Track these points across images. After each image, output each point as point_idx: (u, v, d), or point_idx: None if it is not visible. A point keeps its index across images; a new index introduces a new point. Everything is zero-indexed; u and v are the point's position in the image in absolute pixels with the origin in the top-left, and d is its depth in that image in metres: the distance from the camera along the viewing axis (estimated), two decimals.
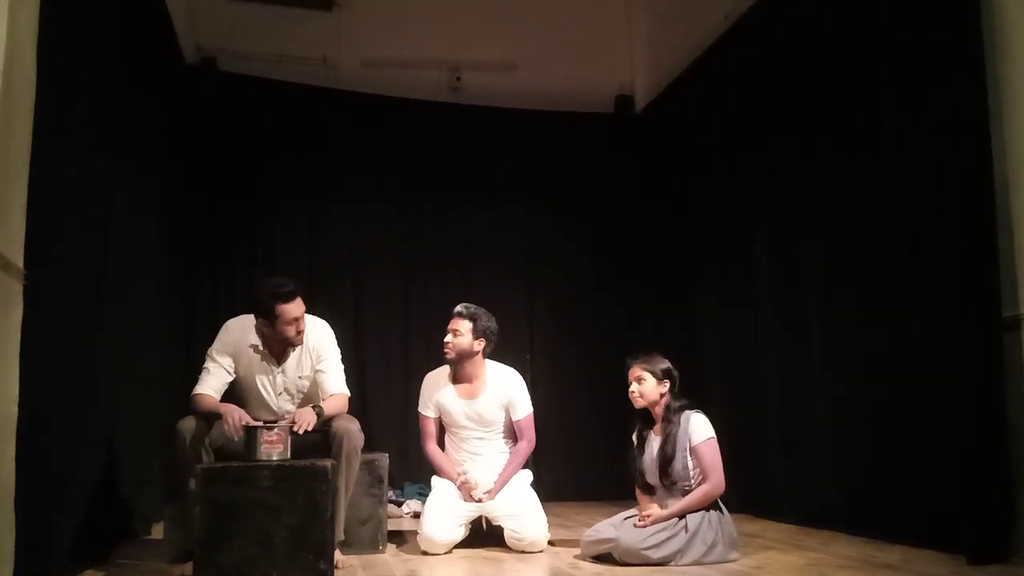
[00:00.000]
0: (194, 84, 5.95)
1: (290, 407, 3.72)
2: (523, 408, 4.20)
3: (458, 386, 4.19)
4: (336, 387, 3.73)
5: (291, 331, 3.59)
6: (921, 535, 3.80)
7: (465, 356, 4.13)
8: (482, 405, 4.15)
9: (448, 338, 4.14)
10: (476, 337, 4.11)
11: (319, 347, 3.77)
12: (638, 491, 3.82)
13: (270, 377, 3.72)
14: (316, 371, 3.76)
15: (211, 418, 3.48)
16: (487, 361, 4.23)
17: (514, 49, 6.89)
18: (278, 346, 3.69)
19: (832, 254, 4.55)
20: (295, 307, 3.57)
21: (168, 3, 5.22)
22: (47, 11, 3.04)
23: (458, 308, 4.19)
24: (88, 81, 3.58)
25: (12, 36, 2.81)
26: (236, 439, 3.36)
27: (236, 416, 3.37)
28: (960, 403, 3.61)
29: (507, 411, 4.19)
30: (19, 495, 2.79)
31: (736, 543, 3.63)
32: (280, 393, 3.74)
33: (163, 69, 5.21)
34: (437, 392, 4.21)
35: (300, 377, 3.75)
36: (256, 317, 3.62)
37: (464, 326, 4.11)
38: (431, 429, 4.24)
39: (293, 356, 3.73)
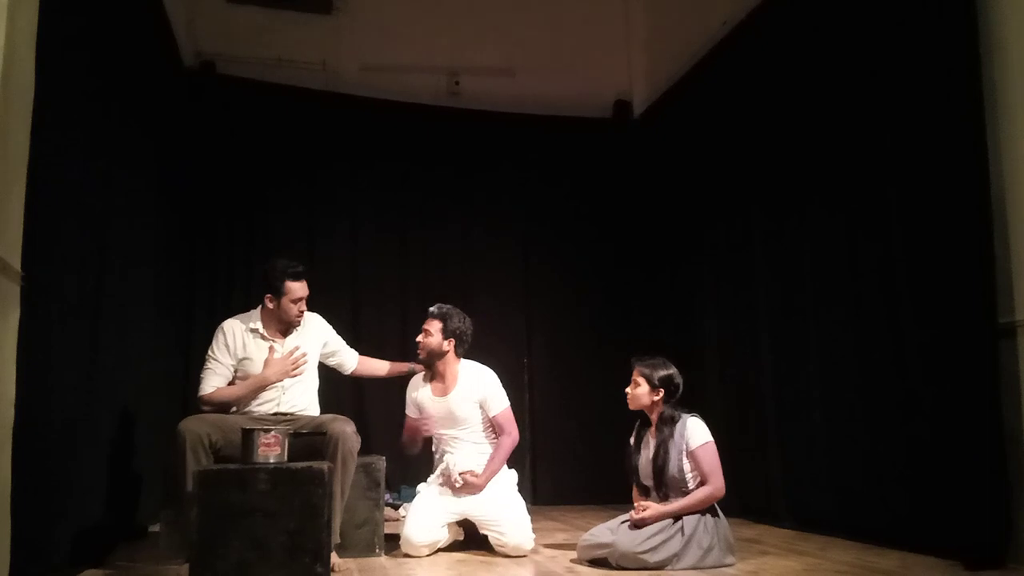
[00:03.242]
0: (193, 88, 5.95)
1: (288, 384, 3.85)
2: (498, 404, 4.23)
3: (432, 384, 4.25)
4: (353, 356, 4.25)
5: (294, 310, 3.84)
6: (918, 541, 3.80)
7: (435, 355, 4.20)
8: (452, 402, 4.18)
9: (419, 338, 4.22)
10: (446, 337, 4.18)
11: (321, 332, 4.07)
12: (634, 490, 3.82)
13: (273, 354, 3.84)
14: (328, 354, 4.13)
15: (227, 409, 3.70)
16: (463, 360, 4.28)
17: (513, 54, 6.91)
18: (278, 326, 3.89)
19: (830, 259, 4.56)
20: (301, 287, 3.84)
21: (167, 7, 5.22)
22: (46, 14, 3.05)
23: (431, 308, 4.29)
24: (86, 84, 3.59)
25: (11, 39, 2.81)
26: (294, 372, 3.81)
27: (285, 359, 3.77)
28: (957, 409, 3.62)
29: (482, 408, 4.20)
30: (16, 497, 2.79)
31: (733, 548, 3.63)
32: None
33: (162, 72, 5.21)
34: (415, 392, 4.30)
35: (303, 355, 3.91)
36: (264, 292, 3.85)
37: (434, 326, 4.20)
38: (410, 424, 4.33)
39: (292, 337, 3.92)
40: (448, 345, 4.19)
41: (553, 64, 6.90)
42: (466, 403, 4.18)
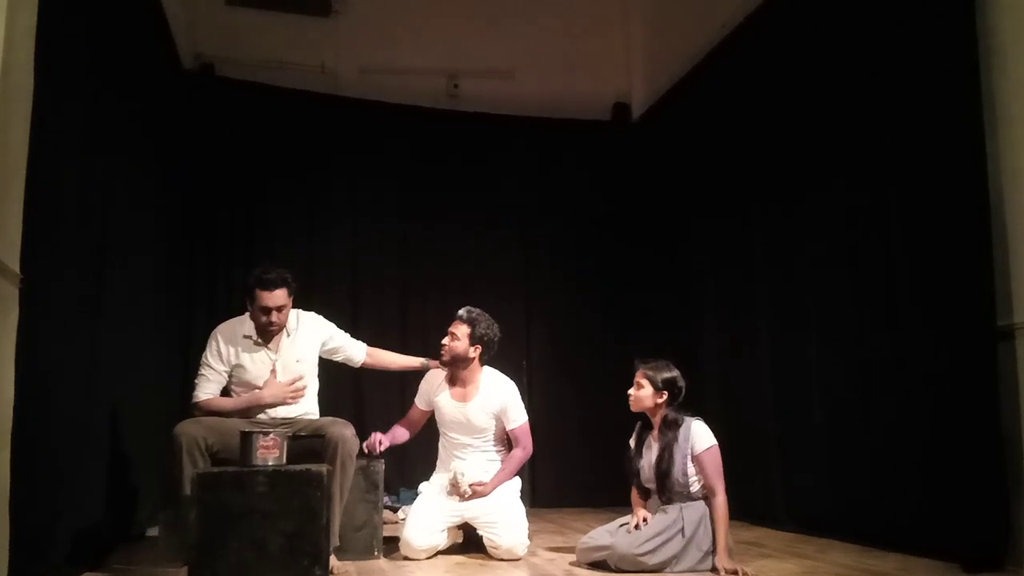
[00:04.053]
0: (192, 90, 5.95)
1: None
2: (517, 417, 4.20)
3: (453, 388, 4.21)
4: (360, 349, 4.15)
5: (262, 318, 3.74)
6: (917, 543, 3.80)
7: (459, 360, 4.15)
8: (471, 410, 4.15)
9: (445, 340, 4.17)
10: (472, 343, 4.13)
11: (318, 332, 3.99)
12: (634, 493, 3.81)
13: (264, 361, 3.80)
14: (332, 351, 4.05)
15: (224, 416, 3.63)
16: (485, 368, 4.24)
17: (512, 57, 6.92)
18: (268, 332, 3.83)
19: (829, 262, 4.56)
20: (270, 297, 3.70)
21: (166, 9, 5.22)
22: (45, 16, 3.04)
23: (460, 312, 4.21)
24: (86, 86, 3.58)
25: (9, 41, 2.81)
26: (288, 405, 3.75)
27: (285, 385, 3.70)
28: (956, 412, 3.62)
29: (498, 420, 4.19)
30: (15, 499, 2.78)
31: (732, 550, 3.62)
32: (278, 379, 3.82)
33: (161, 75, 5.21)
34: (432, 389, 4.25)
35: (297, 361, 3.87)
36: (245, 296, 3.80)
37: (462, 330, 4.14)
38: (412, 415, 4.31)
39: (285, 341, 3.85)
40: (474, 352, 4.14)
41: (552, 67, 6.90)
42: (484, 413, 4.16)
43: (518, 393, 4.25)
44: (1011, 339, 3.48)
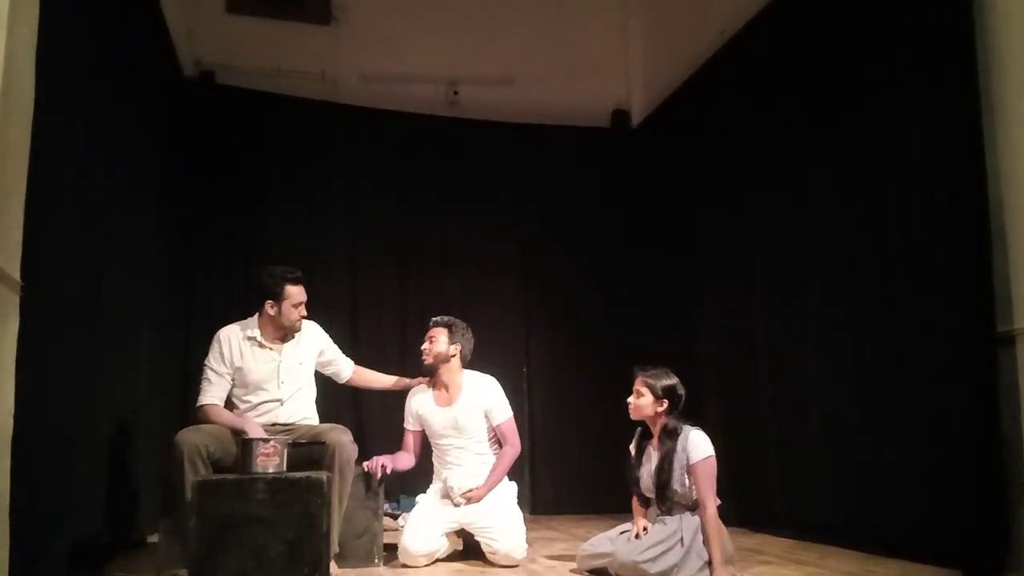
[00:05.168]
0: (192, 97, 5.97)
1: (287, 393, 3.83)
2: (502, 413, 4.23)
3: (436, 394, 4.25)
4: (349, 365, 4.22)
5: (295, 314, 3.83)
6: (918, 550, 3.79)
7: (441, 360, 4.20)
8: (459, 412, 4.17)
9: (425, 345, 4.23)
10: (452, 342, 4.20)
11: (318, 340, 4.05)
12: (634, 501, 3.80)
13: (269, 363, 3.83)
14: (324, 363, 4.10)
15: (220, 428, 3.59)
16: (465, 370, 4.28)
17: (511, 64, 6.93)
18: (276, 333, 3.86)
19: (829, 269, 4.57)
20: (300, 292, 3.84)
21: (167, 17, 5.24)
22: (46, 26, 3.05)
23: (434, 319, 4.31)
24: (86, 94, 3.60)
25: (11, 50, 2.82)
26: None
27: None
28: (956, 418, 3.62)
29: (487, 418, 4.21)
30: (14, 507, 2.78)
31: (732, 558, 3.62)
32: (282, 381, 3.83)
33: (161, 82, 5.23)
34: (416, 402, 4.28)
35: (300, 364, 3.91)
36: (263, 300, 3.83)
37: (440, 333, 4.21)
38: (407, 441, 4.32)
39: (290, 344, 3.90)
40: (455, 349, 4.20)
41: (552, 74, 6.92)
42: (471, 412, 4.18)
43: (501, 389, 4.29)
44: (1011, 345, 3.48)
